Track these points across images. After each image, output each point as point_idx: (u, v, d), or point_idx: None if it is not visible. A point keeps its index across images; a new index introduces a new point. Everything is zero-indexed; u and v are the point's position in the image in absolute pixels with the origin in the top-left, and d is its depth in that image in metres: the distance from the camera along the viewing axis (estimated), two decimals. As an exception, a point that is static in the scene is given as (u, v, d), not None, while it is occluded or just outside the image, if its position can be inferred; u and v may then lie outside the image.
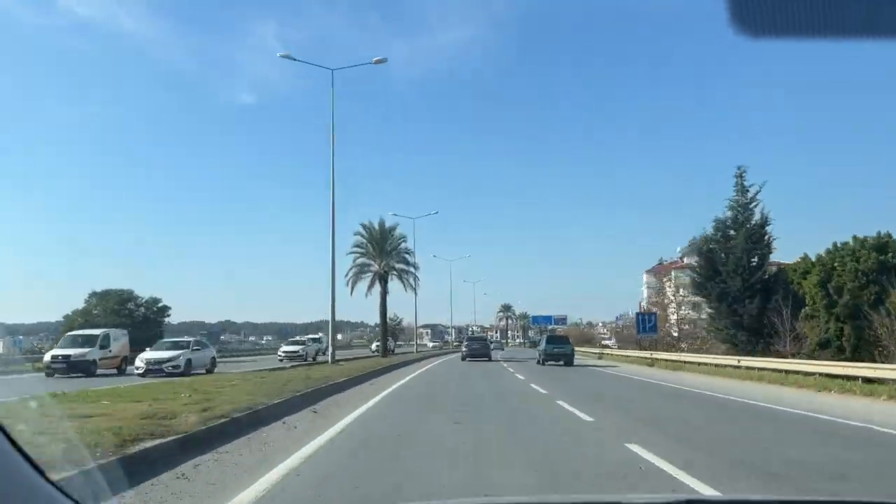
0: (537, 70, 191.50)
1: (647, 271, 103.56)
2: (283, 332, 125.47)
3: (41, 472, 1.59)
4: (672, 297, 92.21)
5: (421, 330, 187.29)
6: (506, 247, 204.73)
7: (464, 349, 43.38)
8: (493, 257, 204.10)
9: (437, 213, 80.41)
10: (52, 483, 1.63)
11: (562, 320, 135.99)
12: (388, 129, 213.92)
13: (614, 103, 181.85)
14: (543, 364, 35.37)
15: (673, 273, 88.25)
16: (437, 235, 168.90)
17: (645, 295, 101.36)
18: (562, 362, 35.44)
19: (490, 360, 41.92)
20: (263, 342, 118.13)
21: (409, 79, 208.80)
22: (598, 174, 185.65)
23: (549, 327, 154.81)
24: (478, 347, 42.70)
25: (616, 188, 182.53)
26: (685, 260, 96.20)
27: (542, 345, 38.67)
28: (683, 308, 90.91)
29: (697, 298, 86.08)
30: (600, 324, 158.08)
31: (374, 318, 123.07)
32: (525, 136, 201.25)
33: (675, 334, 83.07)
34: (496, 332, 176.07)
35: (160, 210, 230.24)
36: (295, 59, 28.13)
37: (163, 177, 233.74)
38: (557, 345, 37.10)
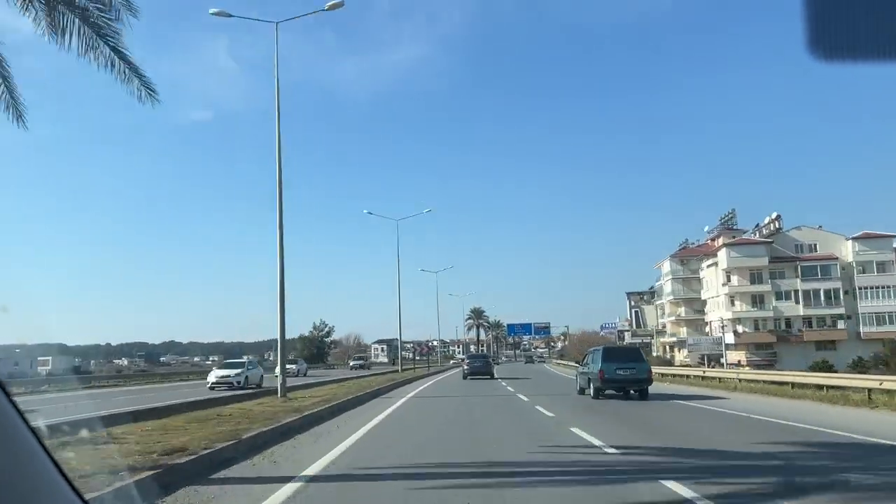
0: (490, 85, 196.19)
1: (672, 256, 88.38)
2: (232, 352, 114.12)
3: (78, 494, 1.79)
4: (720, 288, 78.23)
5: (376, 346, 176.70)
6: (471, 257, 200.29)
7: (465, 367, 43.02)
8: (458, 269, 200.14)
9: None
10: (85, 501, 1.87)
11: (544, 329, 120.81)
12: (341, 144, 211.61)
13: (567, 114, 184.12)
14: (599, 396, 21.94)
15: (726, 253, 72.86)
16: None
17: (669, 288, 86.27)
18: (632, 392, 22.12)
19: (493, 377, 40.87)
20: (209, 362, 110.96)
21: (362, 96, 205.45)
22: (554, 185, 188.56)
23: (527, 338, 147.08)
24: (480, 365, 42.12)
25: (576, 199, 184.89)
26: (718, 241, 76.89)
27: (595, 364, 22.83)
28: (738, 302, 76.51)
29: (762, 287, 72.98)
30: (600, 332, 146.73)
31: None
32: (479, 150, 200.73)
33: (731, 340, 70.20)
34: (460, 347, 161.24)
35: (105, 229, 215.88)
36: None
37: (104, 195, 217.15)
38: (624, 363, 22.05)
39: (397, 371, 46.03)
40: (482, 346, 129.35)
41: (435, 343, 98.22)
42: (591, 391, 22.01)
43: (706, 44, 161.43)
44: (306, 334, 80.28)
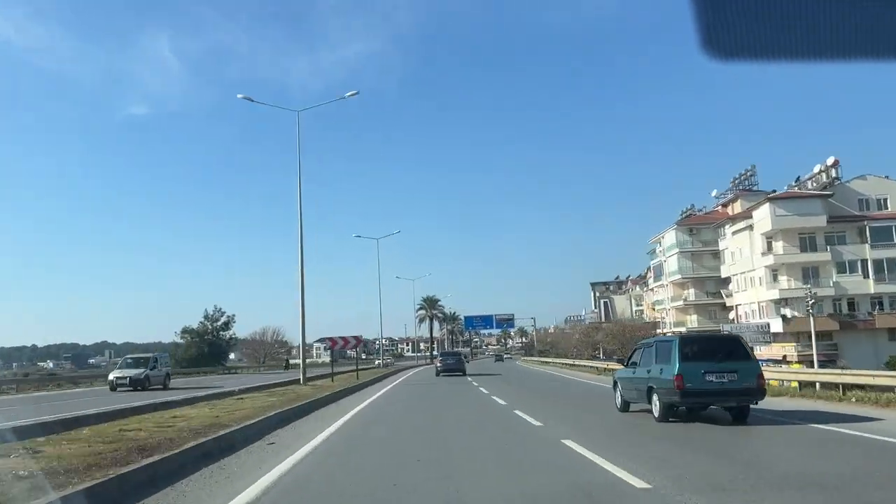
0: (439, 82, 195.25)
1: (679, 224, 69.87)
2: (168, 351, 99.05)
3: None
4: (755, 260, 55.53)
5: (318, 344, 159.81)
6: (423, 248, 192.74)
7: (438, 365, 43.10)
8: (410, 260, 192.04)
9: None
10: None
11: (507, 321, 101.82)
12: (289, 141, 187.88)
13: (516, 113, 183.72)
14: (669, 418, 12.66)
15: (769, 210, 53.74)
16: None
17: (674, 265, 67.30)
18: (728, 407, 12.81)
19: (464, 374, 38.95)
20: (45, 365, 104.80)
21: (310, 92, 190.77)
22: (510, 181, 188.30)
23: (485, 333, 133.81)
24: (452, 363, 41.84)
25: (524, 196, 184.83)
26: (734, 207, 58.77)
27: (665, 364, 12.64)
28: (784, 277, 57.80)
29: (818, 256, 54.28)
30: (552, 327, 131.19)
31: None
32: (427, 147, 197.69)
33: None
34: (409, 345, 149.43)
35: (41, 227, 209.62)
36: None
37: (43, 191, 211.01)
38: (718, 363, 12.19)
39: (298, 382, 25.12)
40: (436, 343, 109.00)
41: (383, 341, 77.56)
42: (657, 409, 12.63)
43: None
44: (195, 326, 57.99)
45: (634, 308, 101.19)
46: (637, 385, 13.84)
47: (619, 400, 14.96)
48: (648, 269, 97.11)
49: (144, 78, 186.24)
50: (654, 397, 12.72)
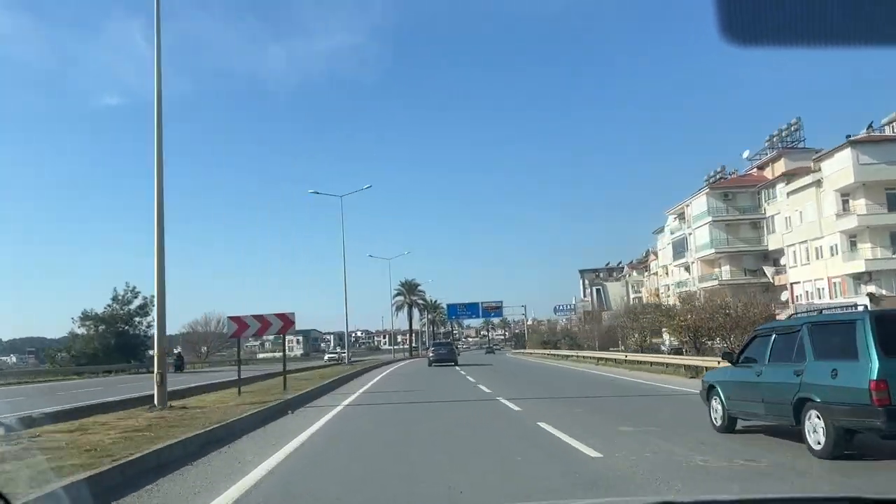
0: (416, 73, 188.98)
1: (712, 187, 57.96)
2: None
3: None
4: (823, 226, 42.43)
5: (290, 337, 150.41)
6: (403, 233, 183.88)
7: (430, 355, 43.17)
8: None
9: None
10: None
11: (495, 310, 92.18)
12: (264, 132, 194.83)
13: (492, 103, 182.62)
14: (841, 452, 7.53)
15: (850, 157, 41.33)
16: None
17: (704, 237, 54.88)
18: None
19: (456, 364, 39.16)
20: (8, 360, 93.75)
21: (287, 84, 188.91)
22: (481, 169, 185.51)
23: (467, 325, 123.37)
24: (444, 353, 42.20)
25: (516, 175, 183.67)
26: (774, 167, 53.78)
27: (845, 359, 7.55)
28: (868, 243, 44.73)
29: None
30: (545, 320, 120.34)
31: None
32: (406, 140, 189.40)
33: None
34: (386, 338, 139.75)
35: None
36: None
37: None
38: None
39: (152, 402, 12.20)
40: (415, 335, 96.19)
41: (358, 334, 64.82)
42: (820, 435, 7.73)
43: None
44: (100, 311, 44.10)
45: (632, 295, 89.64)
46: (766, 394, 8.91)
47: (718, 414, 10.04)
48: (648, 252, 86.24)
49: (116, 67, 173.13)
50: (813, 416, 7.81)
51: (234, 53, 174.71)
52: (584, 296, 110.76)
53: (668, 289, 69.16)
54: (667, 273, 71.37)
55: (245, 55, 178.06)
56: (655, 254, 78.09)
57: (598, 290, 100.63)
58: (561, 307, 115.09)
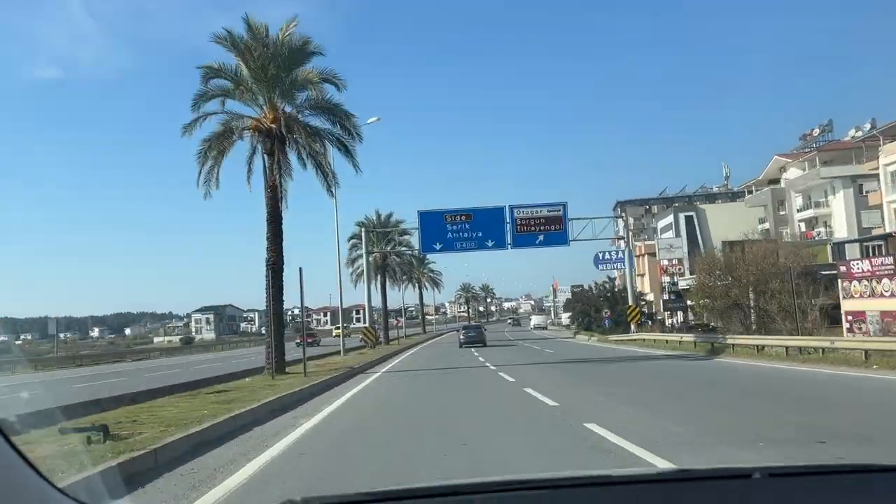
0: (366, 48, 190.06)
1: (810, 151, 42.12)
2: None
3: (48, 480, 1.70)
4: None
5: (198, 315, 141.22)
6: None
7: (461, 337, 45.33)
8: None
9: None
10: (59, 489, 1.76)
11: (554, 211, 35.23)
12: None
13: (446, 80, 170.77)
14: None
15: None
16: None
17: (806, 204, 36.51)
18: None
19: (485, 345, 41.72)
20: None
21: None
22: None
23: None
24: (474, 335, 44.28)
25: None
26: None
27: None
28: None
29: None
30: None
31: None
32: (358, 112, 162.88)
33: None
34: (366, 315, 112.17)
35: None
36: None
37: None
38: None
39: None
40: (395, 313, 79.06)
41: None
42: None
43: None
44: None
45: (758, 227, 52.50)
46: None
47: None
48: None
49: (55, 39, 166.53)
50: None
51: (176, 25, 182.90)
52: (621, 232, 48.05)
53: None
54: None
55: (185, 27, 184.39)
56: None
57: (687, 218, 62.58)
58: (604, 256, 63.03)
